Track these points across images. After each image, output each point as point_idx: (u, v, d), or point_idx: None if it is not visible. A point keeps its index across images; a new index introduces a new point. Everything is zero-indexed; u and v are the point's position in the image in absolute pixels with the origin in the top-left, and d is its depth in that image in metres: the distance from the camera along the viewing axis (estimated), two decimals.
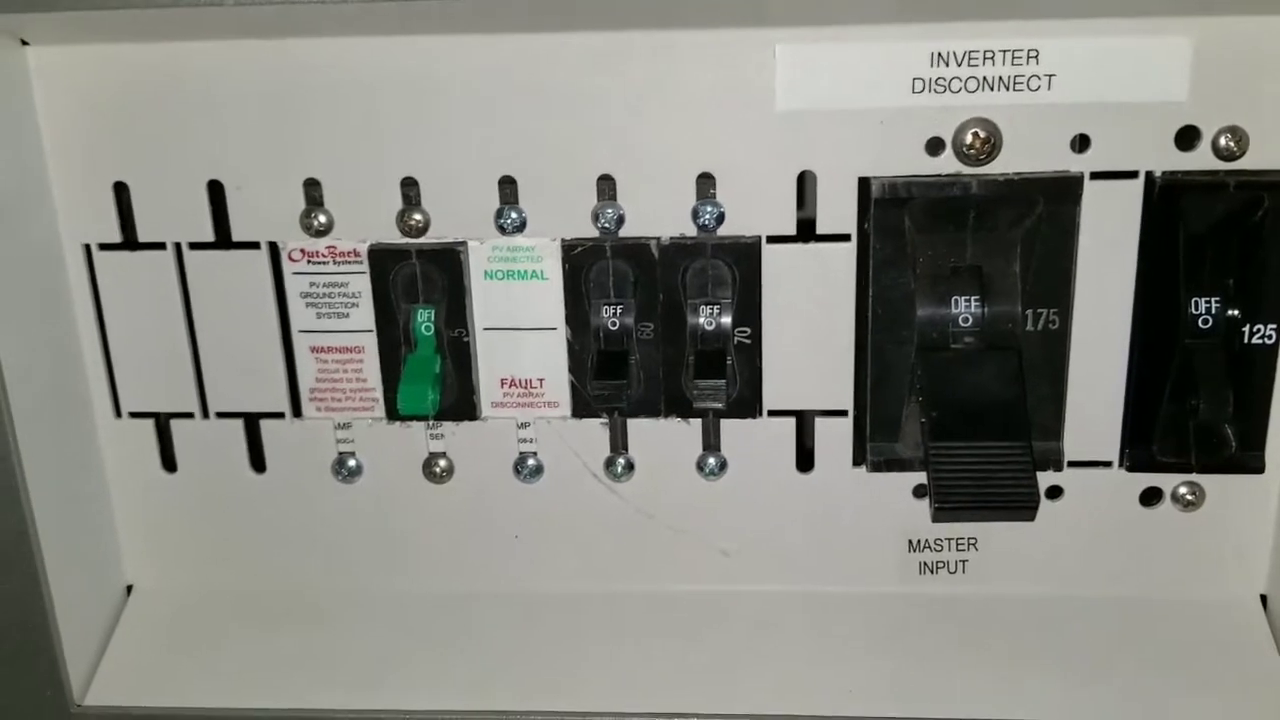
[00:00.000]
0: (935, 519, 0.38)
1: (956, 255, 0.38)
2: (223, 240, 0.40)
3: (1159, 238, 0.37)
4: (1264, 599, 0.41)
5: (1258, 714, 0.39)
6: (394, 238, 0.39)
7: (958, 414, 0.38)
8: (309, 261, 0.40)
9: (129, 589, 0.44)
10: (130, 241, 0.40)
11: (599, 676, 0.41)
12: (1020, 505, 0.37)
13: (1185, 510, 0.41)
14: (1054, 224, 0.37)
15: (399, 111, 0.38)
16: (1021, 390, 0.38)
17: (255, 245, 0.40)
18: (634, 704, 0.40)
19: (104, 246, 0.40)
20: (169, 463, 0.43)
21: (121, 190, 0.40)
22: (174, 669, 0.42)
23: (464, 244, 0.39)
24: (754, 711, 0.40)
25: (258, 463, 0.43)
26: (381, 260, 0.39)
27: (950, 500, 0.37)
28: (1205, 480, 0.40)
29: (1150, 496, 0.41)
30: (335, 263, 0.39)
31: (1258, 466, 0.39)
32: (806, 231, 0.38)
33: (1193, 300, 0.37)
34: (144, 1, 0.33)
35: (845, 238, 0.38)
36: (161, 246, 0.40)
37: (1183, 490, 0.40)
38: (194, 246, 0.40)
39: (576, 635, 0.42)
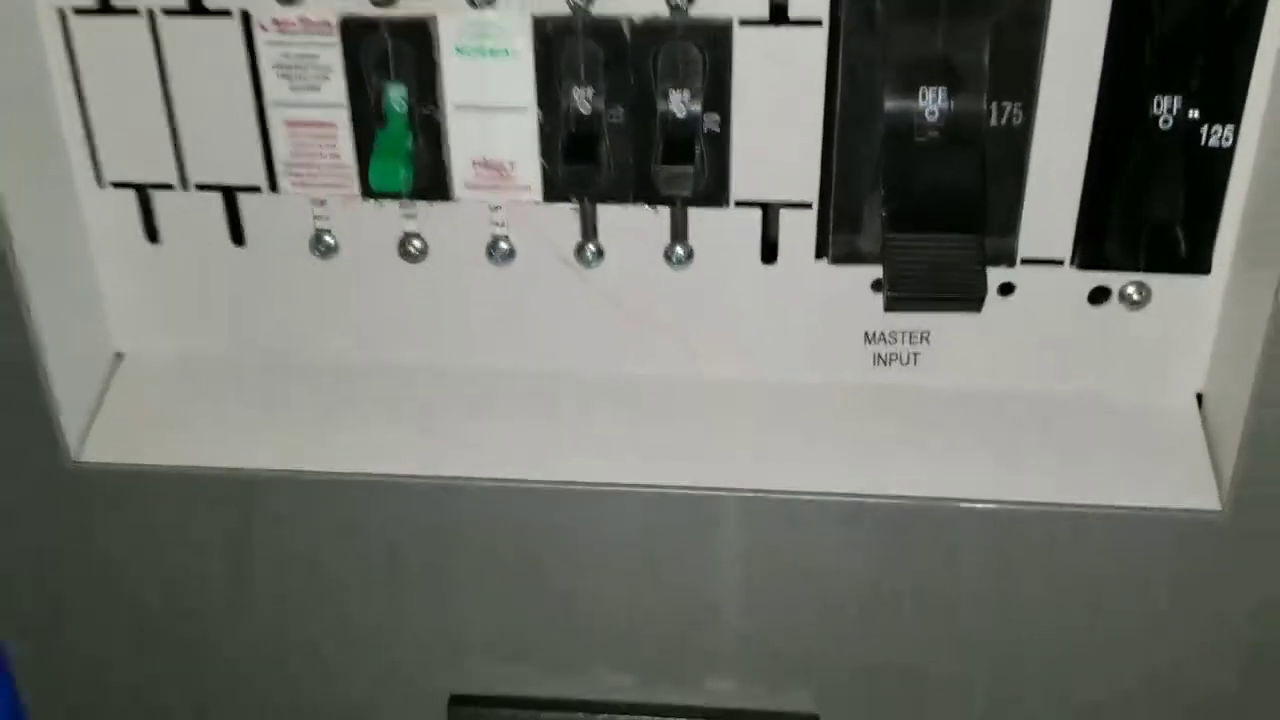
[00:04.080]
0: (887, 308, 0.39)
1: (926, 46, 0.38)
2: (196, 7, 0.40)
3: (1126, 34, 0.37)
4: (1199, 397, 0.43)
5: (1181, 487, 0.41)
6: (365, 10, 0.39)
7: (916, 206, 0.39)
8: (281, 31, 0.40)
9: (118, 356, 0.46)
10: (105, 6, 0.40)
11: (564, 448, 0.43)
12: (967, 297, 0.38)
13: (1131, 309, 0.42)
14: (1023, 17, 0.37)
15: None
16: (982, 186, 0.39)
17: (228, 13, 0.40)
18: (594, 474, 0.43)
19: (79, 11, 0.40)
20: (152, 233, 0.44)
21: None
22: (163, 429, 0.44)
23: (434, 17, 0.39)
24: (714, 484, 0.42)
25: (237, 236, 0.44)
26: (352, 31, 0.39)
27: (901, 288, 0.38)
28: (1153, 280, 0.41)
29: (1099, 295, 0.42)
30: (307, 33, 0.40)
31: (1204, 268, 0.40)
32: (779, 16, 0.38)
33: (1155, 99, 0.38)
34: None
35: (817, 23, 0.38)
36: (135, 12, 0.40)
37: (1130, 290, 0.42)
38: (167, 13, 0.40)
39: (543, 411, 0.44)
